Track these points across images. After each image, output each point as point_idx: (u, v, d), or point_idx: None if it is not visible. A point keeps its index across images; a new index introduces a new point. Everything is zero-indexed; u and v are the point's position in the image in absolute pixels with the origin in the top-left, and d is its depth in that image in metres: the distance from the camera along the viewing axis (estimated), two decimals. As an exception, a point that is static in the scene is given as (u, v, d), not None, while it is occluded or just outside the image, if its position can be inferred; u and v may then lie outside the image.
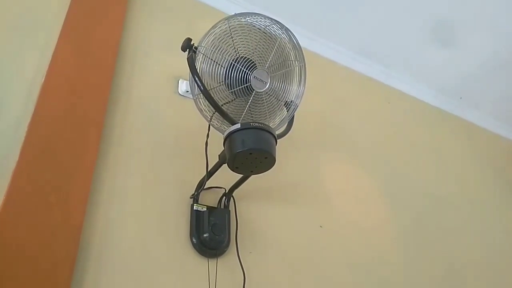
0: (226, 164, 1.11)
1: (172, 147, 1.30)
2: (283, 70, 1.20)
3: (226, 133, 1.05)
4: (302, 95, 1.24)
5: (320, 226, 1.44)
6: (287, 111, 1.23)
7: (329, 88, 1.90)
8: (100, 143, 1.16)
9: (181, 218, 1.20)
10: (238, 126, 1.02)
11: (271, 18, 1.15)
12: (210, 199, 1.26)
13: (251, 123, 1.03)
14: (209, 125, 1.16)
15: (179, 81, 1.42)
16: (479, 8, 1.88)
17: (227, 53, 1.12)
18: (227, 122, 1.13)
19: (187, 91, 1.40)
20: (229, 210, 1.27)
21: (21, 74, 1.17)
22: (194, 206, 1.21)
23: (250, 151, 1.03)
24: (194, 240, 1.16)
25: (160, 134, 1.30)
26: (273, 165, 1.08)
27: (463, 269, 1.74)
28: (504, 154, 2.48)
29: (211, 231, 1.17)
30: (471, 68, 2.18)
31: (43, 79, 1.15)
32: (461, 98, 2.32)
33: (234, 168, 1.08)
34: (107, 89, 1.25)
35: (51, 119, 1.12)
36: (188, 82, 1.10)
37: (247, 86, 1.12)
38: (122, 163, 1.19)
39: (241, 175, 1.22)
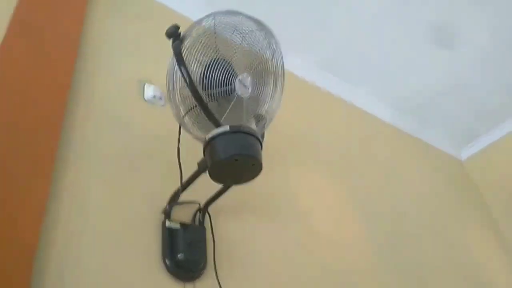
0: (204, 173, 1.00)
1: (139, 156, 1.16)
2: (263, 79, 1.12)
3: (209, 137, 0.94)
4: (276, 110, 1.16)
5: (298, 243, 1.35)
6: (256, 125, 1.15)
7: (296, 102, 1.85)
8: (58, 150, 1.00)
9: (152, 236, 1.05)
10: (226, 128, 0.92)
11: (258, 22, 1.07)
12: (182, 214, 1.13)
13: (241, 127, 0.93)
14: (180, 128, 1.05)
15: (145, 86, 1.29)
16: (440, 31, 1.95)
17: (208, 51, 1.03)
18: (200, 123, 1.02)
19: (154, 96, 1.28)
20: (205, 227, 1.14)
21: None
22: (167, 223, 1.07)
23: (236, 157, 0.93)
24: (167, 261, 1.02)
25: (125, 141, 1.16)
26: (259, 173, 0.99)
27: (427, 276, 1.75)
28: (456, 172, 2.58)
29: (186, 251, 1.03)
30: (427, 88, 2.25)
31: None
32: (417, 117, 2.38)
33: (216, 178, 0.97)
34: (65, 91, 1.09)
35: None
36: (167, 74, 0.98)
37: (228, 89, 1.03)
38: (84, 173, 1.03)
39: (218, 188, 1.11)
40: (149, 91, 1.27)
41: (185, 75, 0.92)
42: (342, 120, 2.07)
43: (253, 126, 1.15)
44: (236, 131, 0.93)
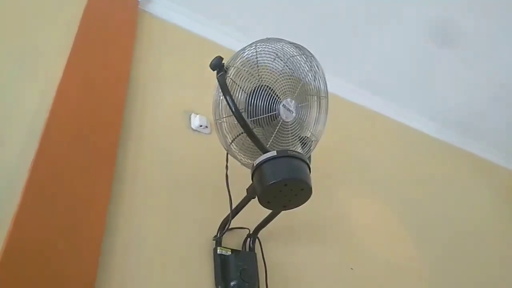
0: (253, 199, 1.01)
1: (189, 184, 1.18)
2: (305, 103, 1.13)
3: (256, 162, 0.95)
4: (321, 132, 1.16)
5: (351, 268, 1.31)
6: (302, 148, 1.15)
7: (337, 122, 1.84)
8: (113, 182, 1.04)
9: (204, 263, 1.06)
10: (273, 153, 0.92)
11: (299, 47, 1.09)
12: (232, 241, 1.14)
13: (288, 151, 0.94)
14: (227, 155, 1.06)
15: (191, 116, 1.33)
16: (480, 43, 1.89)
17: (251, 79, 1.05)
18: (246, 149, 1.03)
19: (201, 126, 1.31)
20: (255, 253, 1.14)
21: (21, 108, 1.06)
22: (218, 250, 1.08)
23: (285, 182, 0.92)
24: (221, 289, 1.02)
25: (176, 171, 1.19)
26: (309, 198, 0.98)
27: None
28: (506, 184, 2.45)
29: (239, 278, 1.03)
30: (472, 100, 2.18)
31: (48, 114, 1.04)
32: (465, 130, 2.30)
33: (265, 203, 0.97)
34: (118, 125, 1.14)
35: (57, 156, 1.00)
36: (213, 105, 1.01)
37: (272, 114, 1.04)
38: (138, 204, 1.06)
39: (266, 213, 1.11)
40: (196, 121, 1.31)
41: (231, 105, 0.94)
42: (387, 137, 2.03)
43: (299, 149, 1.15)
44: (284, 155, 0.93)
